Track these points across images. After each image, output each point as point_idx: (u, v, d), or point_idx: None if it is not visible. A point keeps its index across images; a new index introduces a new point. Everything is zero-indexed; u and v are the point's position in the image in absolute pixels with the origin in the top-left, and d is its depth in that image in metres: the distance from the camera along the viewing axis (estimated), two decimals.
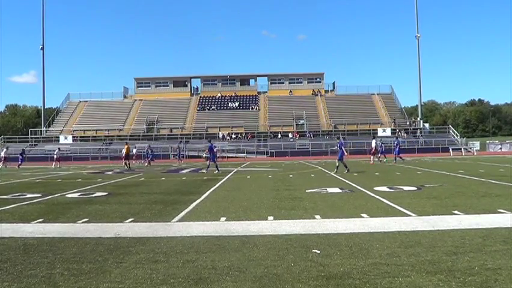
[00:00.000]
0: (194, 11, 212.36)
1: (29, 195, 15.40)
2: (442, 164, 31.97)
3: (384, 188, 15.52)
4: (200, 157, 51.01)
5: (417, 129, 69.27)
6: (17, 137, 73.61)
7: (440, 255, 6.32)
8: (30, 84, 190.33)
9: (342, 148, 24.31)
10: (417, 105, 78.40)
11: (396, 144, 35.81)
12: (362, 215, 9.97)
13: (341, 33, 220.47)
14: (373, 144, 37.05)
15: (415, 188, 15.42)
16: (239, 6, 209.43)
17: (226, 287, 5.17)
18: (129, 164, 37.08)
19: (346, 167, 24.10)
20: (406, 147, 60.36)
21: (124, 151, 38.39)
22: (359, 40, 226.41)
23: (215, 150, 29.50)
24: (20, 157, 41.18)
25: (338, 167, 24.09)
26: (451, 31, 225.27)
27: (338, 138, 27.37)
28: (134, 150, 45.13)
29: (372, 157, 36.26)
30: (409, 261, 6.04)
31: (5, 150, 40.62)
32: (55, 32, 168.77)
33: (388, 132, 66.18)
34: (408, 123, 70.80)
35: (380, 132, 65.96)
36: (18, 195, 15.49)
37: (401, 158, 35.32)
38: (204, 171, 27.71)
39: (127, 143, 41.69)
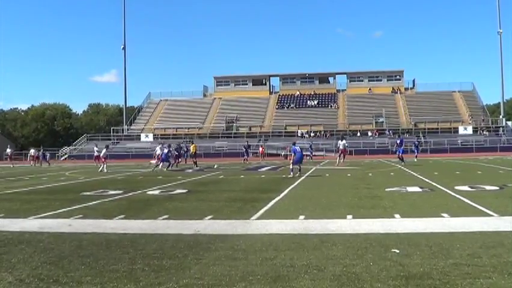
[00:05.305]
0: (270, 10, 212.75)
1: (111, 192, 15.91)
2: None
3: (465, 187, 14.93)
4: (279, 155, 51.28)
5: (499, 127, 66.30)
6: (99, 135, 76.34)
7: None
8: (111, 84, 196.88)
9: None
10: (499, 103, 75.33)
11: (401, 143, 31.83)
12: (443, 214, 9.64)
13: (420, 28, 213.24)
14: (341, 146, 33.74)
15: (497, 188, 14.78)
16: (312, 3, 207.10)
17: (304, 285, 5.10)
18: (196, 162, 35.80)
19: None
20: (488, 145, 58.07)
21: (191, 150, 37.51)
22: (439, 36, 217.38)
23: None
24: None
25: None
26: None
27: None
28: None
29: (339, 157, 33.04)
30: (491, 262, 5.78)
31: (104, 150, 40.17)
32: (135, 32, 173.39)
33: (469, 131, 63.90)
34: (483, 120, 67.79)
35: (461, 130, 63.78)
36: (101, 192, 15.99)
37: (401, 158, 31.08)
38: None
39: (192, 142, 41.70)
